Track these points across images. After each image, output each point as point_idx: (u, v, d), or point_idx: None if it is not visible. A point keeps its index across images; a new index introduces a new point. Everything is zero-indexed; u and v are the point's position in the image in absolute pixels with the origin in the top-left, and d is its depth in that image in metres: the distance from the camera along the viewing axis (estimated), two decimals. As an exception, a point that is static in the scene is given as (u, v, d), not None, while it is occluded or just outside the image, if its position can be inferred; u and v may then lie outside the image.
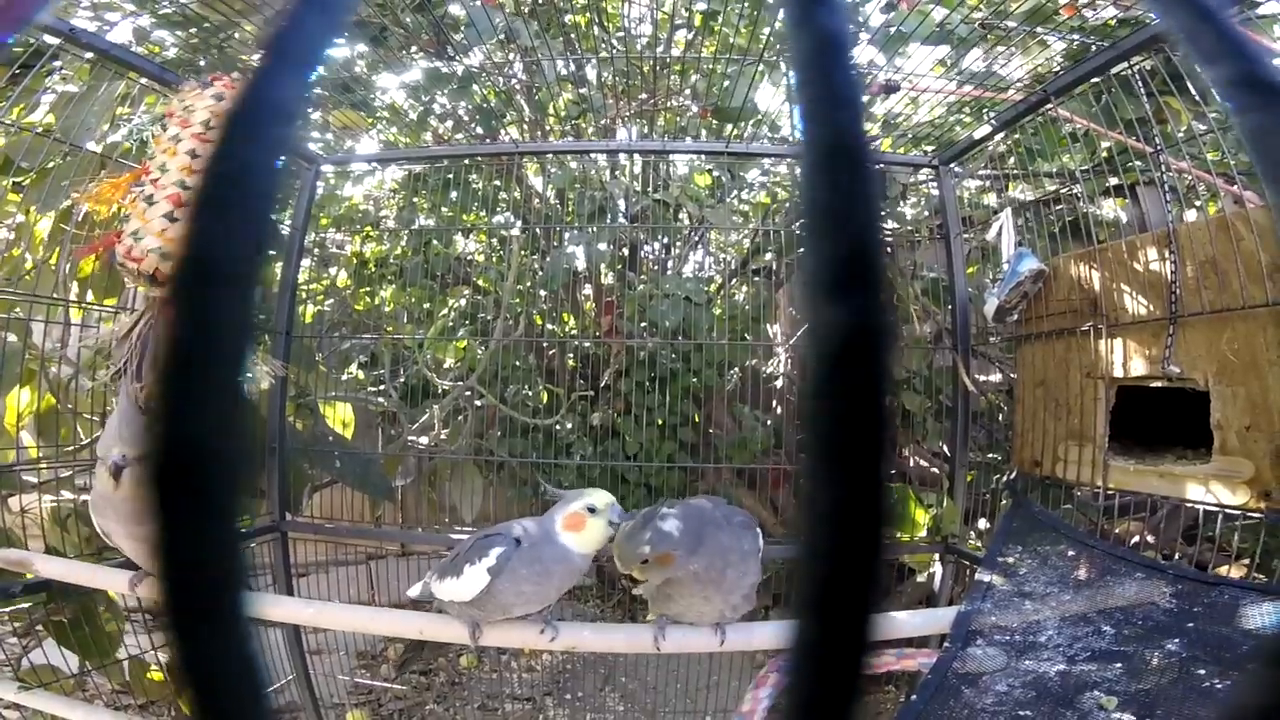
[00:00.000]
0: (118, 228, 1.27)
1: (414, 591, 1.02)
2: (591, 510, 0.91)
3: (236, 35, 1.48)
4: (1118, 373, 1.02)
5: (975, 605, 0.94)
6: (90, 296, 1.38)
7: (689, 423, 1.90)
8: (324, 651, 1.96)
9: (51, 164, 1.35)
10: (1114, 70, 1.15)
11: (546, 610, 0.95)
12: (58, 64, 1.42)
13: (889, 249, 1.60)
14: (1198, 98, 1.15)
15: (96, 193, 1.31)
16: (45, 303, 1.26)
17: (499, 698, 1.94)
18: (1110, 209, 1.53)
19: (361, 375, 1.86)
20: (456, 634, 0.95)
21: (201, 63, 1.53)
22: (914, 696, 0.87)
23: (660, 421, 1.85)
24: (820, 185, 0.11)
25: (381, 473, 1.67)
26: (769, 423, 1.99)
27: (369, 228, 1.93)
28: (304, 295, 1.64)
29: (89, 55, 1.31)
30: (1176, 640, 0.78)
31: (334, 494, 1.69)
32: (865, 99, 1.38)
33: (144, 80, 1.40)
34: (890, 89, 1.30)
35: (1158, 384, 0.98)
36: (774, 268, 1.99)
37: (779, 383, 2.14)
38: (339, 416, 1.70)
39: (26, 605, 1.18)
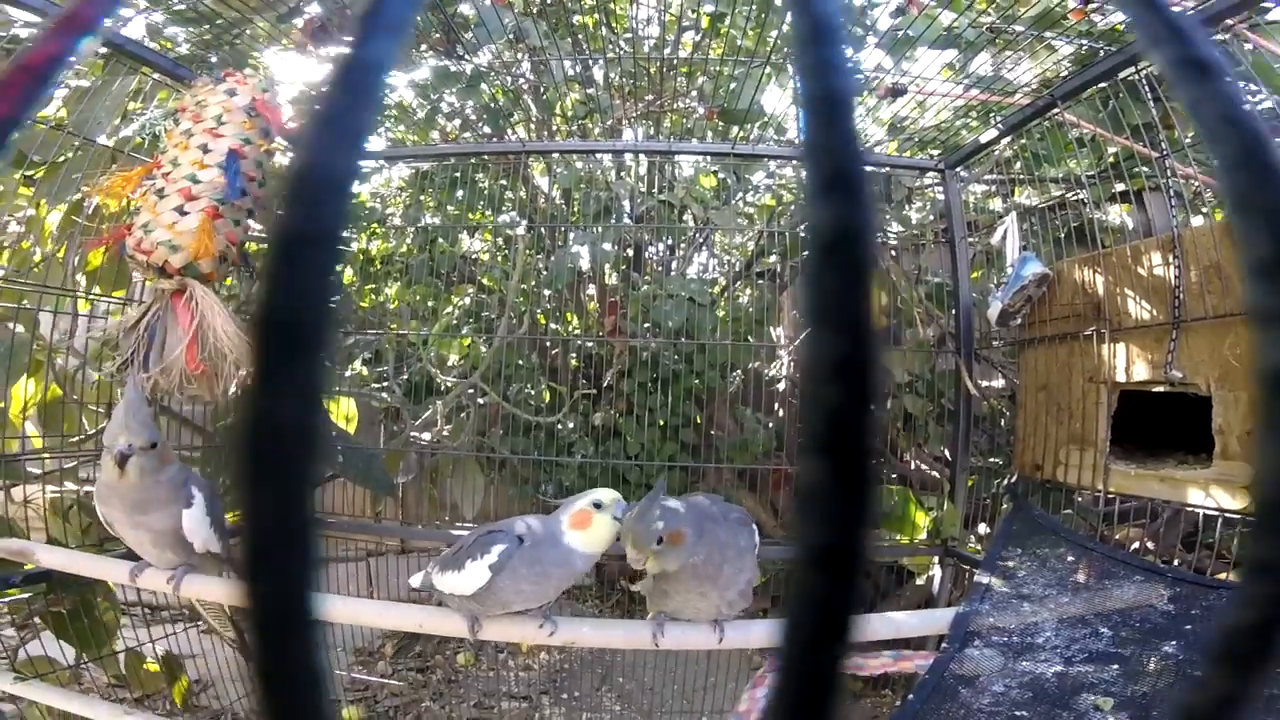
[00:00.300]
0: (128, 221, 1.28)
1: (415, 581, 1.03)
2: (598, 506, 0.91)
3: (249, 31, 1.50)
4: (1120, 377, 1.02)
5: (973, 606, 0.93)
6: (98, 289, 1.39)
7: (691, 424, 1.91)
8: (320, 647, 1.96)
9: (63, 158, 1.37)
10: (1121, 75, 1.15)
11: (546, 606, 0.95)
12: (71, 58, 1.43)
13: (894, 254, 1.60)
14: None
15: (107, 186, 1.33)
16: (54, 293, 1.27)
17: (495, 696, 1.94)
18: (1116, 214, 1.53)
19: (365, 371, 1.87)
20: (456, 627, 0.95)
21: (214, 59, 1.55)
22: (910, 696, 0.88)
23: (662, 422, 1.85)
24: (820, 210, 0.12)
25: (384, 468, 1.68)
26: (770, 425, 1.99)
27: (375, 225, 1.94)
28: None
29: (103, 50, 1.32)
30: (1174, 643, 0.78)
31: (335, 490, 1.69)
32: (862, 99, 1.39)
33: (156, 75, 1.41)
34: (897, 92, 1.30)
35: (1160, 389, 0.98)
36: (778, 270, 2.00)
37: (781, 385, 2.14)
38: (342, 412, 1.71)
39: (26, 596, 1.18)
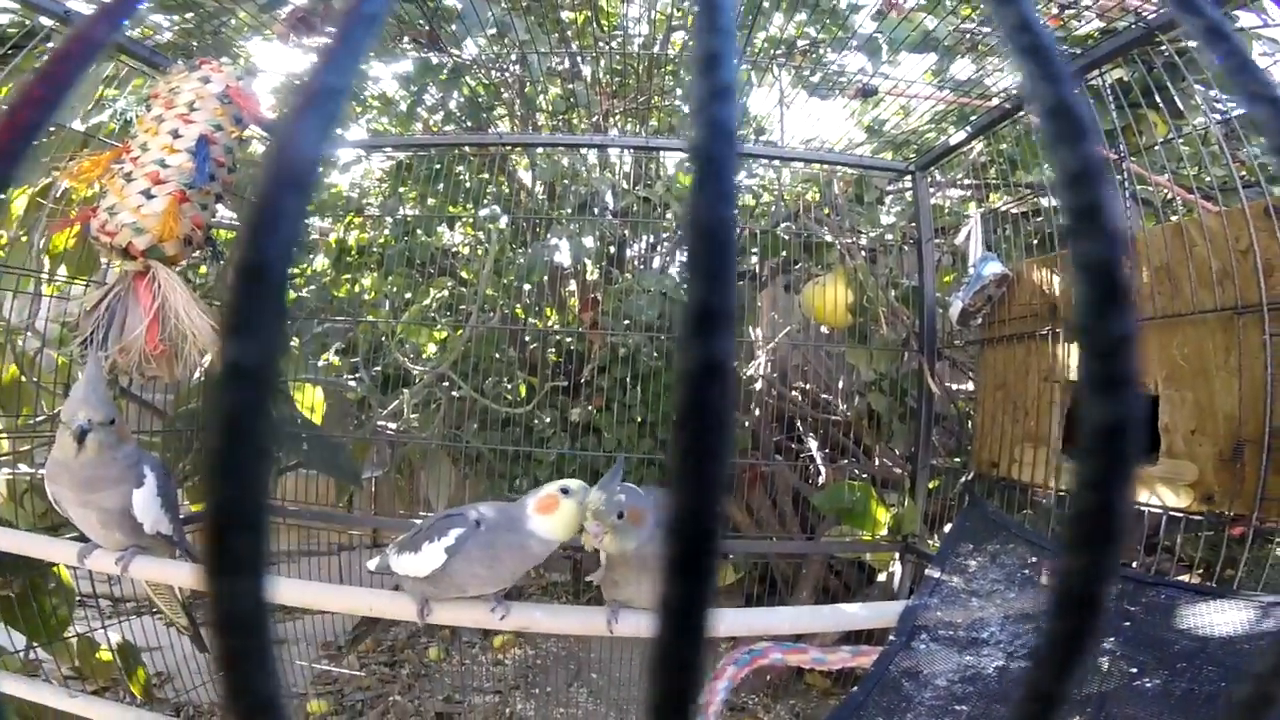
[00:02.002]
0: (94, 203, 1.28)
1: (372, 564, 1.03)
2: (565, 492, 0.91)
3: (232, 21, 1.49)
4: (1073, 376, 1.03)
5: (923, 600, 0.94)
6: (64, 271, 1.38)
7: (667, 420, 1.91)
8: (287, 641, 1.95)
9: (35, 141, 1.36)
10: (1087, 78, 1.16)
11: (500, 591, 0.96)
12: (50, 45, 1.43)
13: (865, 256, 1.60)
14: (1163, 108, 1.16)
15: (76, 169, 1.32)
16: (15, 274, 1.26)
17: (465, 690, 1.94)
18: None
19: (337, 361, 1.87)
20: (405, 610, 0.95)
21: (194, 45, 1.54)
22: (855, 689, 0.88)
23: (639, 418, 1.85)
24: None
25: (350, 458, 1.67)
26: (746, 424, 1.99)
27: (353, 214, 1.94)
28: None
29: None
30: (1112, 639, 0.79)
31: (303, 483, 1.68)
32: (838, 98, 1.39)
33: (132, 63, 1.41)
34: (867, 92, 1.31)
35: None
36: (756, 270, 2.00)
37: (758, 385, 2.14)
38: (307, 400, 1.70)
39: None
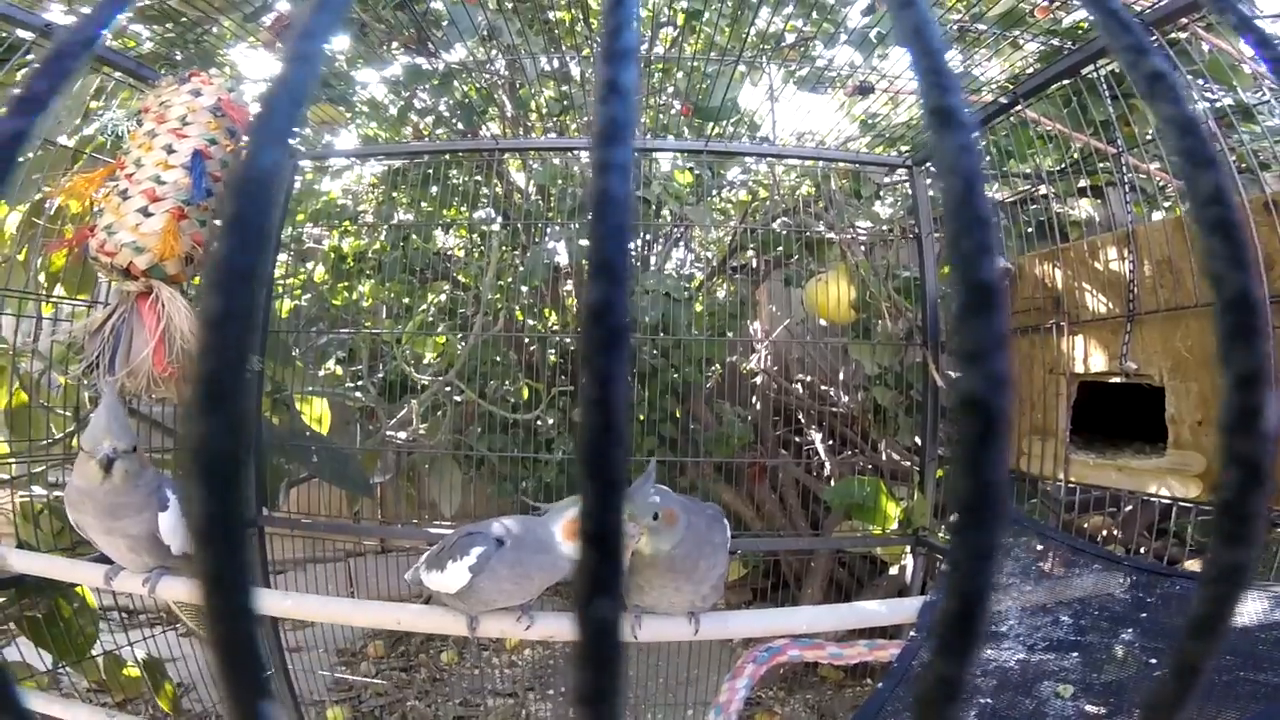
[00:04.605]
0: (91, 222, 1.26)
1: (409, 575, 1.05)
2: None
3: (215, 30, 1.47)
4: (1078, 369, 1.05)
5: (940, 596, 0.96)
6: (61, 290, 1.37)
7: (669, 418, 1.92)
8: (303, 649, 1.96)
9: (22, 158, 1.34)
10: (1082, 72, 1.17)
11: (529, 602, 0.97)
12: (31, 58, 1.40)
13: (864, 249, 1.62)
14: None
15: (69, 187, 1.30)
16: (15, 296, 1.25)
17: (481, 693, 1.95)
18: (1082, 209, 1.56)
19: (339, 371, 1.86)
20: (434, 624, 0.96)
21: (178, 56, 1.52)
22: (880, 685, 0.89)
23: (641, 417, 1.86)
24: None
25: (360, 469, 1.67)
26: (748, 418, 2.01)
27: (347, 222, 1.93)
28: (280, 290, 1.63)
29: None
30: (1131, 630, 0.81)
31: (313, 491, 1.68)
32: (832, 95, 1.40)
33: (117, 75, 1.39)
34: (864, 90, 1.32)
35: (1116, 380, 1.00)
36: (754, 265, 2.01)
37: (758, 379, 2.16)
38: (314, 412, 1.70)
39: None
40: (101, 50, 1.32)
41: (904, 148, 1.57)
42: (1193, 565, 1.18)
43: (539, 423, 1.81)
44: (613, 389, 0.13)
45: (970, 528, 0.14)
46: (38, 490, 1.26)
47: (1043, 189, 1.44)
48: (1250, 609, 0.70)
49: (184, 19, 1.40)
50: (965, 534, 0.14)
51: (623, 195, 0.14)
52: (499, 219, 1.93)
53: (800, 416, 2.13)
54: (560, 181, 1.88)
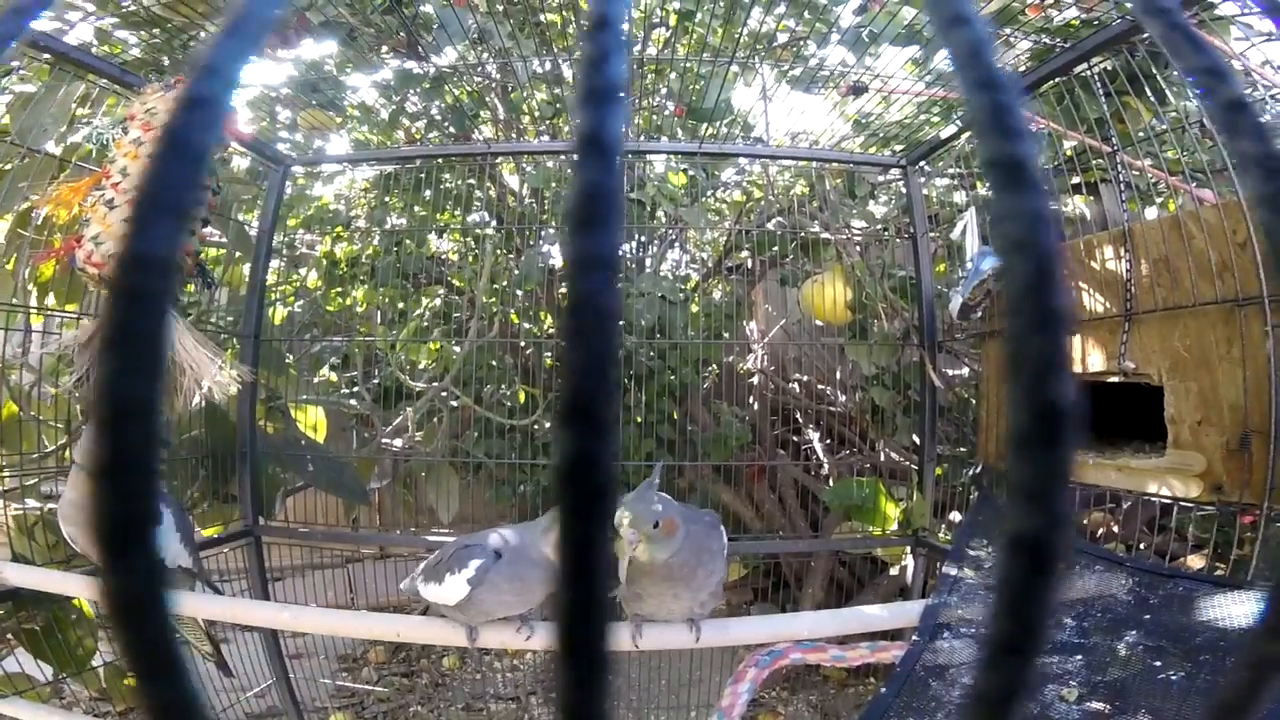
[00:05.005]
0: (78, 232, 1.25)
1: (404, 585, 1.04)
2: None
3: (201, 36, 1.45)
4: (1076, 368, 1.05)
5: (942, 598, 0.95)
6: (51, 301, 1.35)
7: (667, 420, 1.91)
8: (304, 655, 1.94)
9: (8, 166, 1.32)
10: (1075, 70, 1.17)
11: (530, 611, 0.96)
12: (15, 64, 1.38)
13: (859, 249, 1.61)
14: (1153, 98, 1.18)
15: (55, 196, 1.28)
16: (4, 309, 1.23)
17: (483, 698, 1.94)
18: (1076, 207, 1.57)
19: (334, 378, 1.84)
20: (434, 636, 0.96)
21: (165, 61, 1.50)
22: (883, 689, 0.89)
23: (639, 419, 1.85)
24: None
25: (356, 476, 1.66)
26: (746, 419, 2.00)
27: (340, 228, 1.91)
28: (273, 297, 1.62)
29: (46, 57, 1.28)
30: (1134, 632, 0.80)
31: (309, 498, 1.67)
32: (825, 96, 1.39)
33: (102, 82, 1.37)
34: (858, 90, 1.31)
35: (1115, 379, 1.00)
36: (749, 265, 2.01)
37: (755, 379, 2.16)
38: (309, 420, 1.68)
39: (-1, 613, 1.16)
40: (85, 57, 1.30)
41: (898, 147, 1.57)
42: (1194, 562, 1.18)
43: (536, 427, 1.80)
44: (596, 397, 0.12)
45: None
46: (31, 503, 1.25)
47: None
48: (1254, 610, 0.69)
49: (170, 25, 1.39)
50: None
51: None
52: (493, 223, 1.92)
53: (798, 416, 2.13)
54: (554, 185, 1.87)
